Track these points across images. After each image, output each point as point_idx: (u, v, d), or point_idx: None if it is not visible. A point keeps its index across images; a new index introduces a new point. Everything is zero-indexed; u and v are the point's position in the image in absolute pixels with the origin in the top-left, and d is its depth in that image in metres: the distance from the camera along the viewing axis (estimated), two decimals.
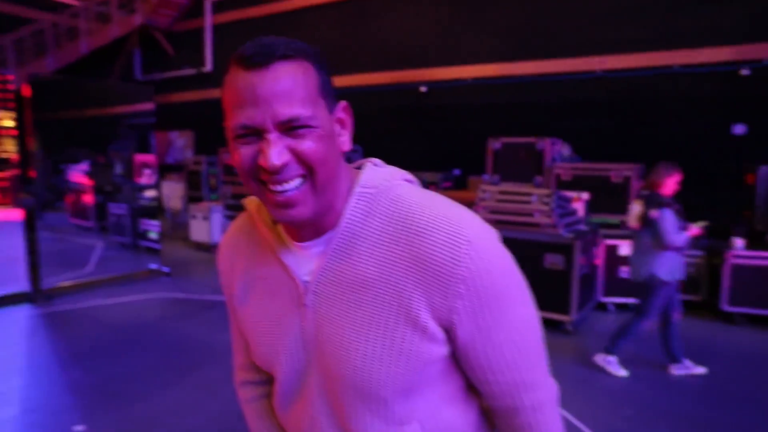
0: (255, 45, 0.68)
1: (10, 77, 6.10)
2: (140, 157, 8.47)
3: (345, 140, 0.76)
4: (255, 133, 0.69)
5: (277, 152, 0.68)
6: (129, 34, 11.89)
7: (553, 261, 4.36)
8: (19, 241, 5.47)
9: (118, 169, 8.79)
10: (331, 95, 0.74)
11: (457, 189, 7.52)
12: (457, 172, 7.86)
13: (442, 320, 0.73)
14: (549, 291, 4.41)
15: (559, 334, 4.38)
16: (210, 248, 7.84)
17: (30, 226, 5.38)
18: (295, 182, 0.70)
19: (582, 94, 7.09)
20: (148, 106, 8.44)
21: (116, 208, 7.63)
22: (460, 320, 0.73)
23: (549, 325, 4.51)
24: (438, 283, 0.71)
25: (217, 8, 11.08)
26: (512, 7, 7.64)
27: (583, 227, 4.74)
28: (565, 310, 4.36)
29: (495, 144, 5.81)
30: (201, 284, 6.04)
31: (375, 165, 0.82)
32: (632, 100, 6.78)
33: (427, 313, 0.73)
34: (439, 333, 0.74)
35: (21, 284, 5.38)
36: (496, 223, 4.72)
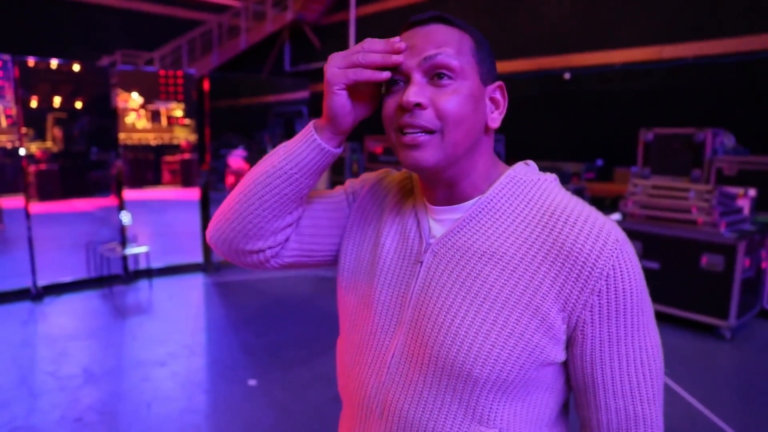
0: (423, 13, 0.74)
1: (184, 72, 6.96)
2: None
3: (495, 117, 0.76)
4: (405, 81, 0.72)
5: (415, 90, 0.69)
6: (281, 29, 12.85)
7: (711, 261, 4.07)
8: (190, 217, 6.30)
9: None
10: (489, 71, 0.75)
11: (601, 180, 7.21)
12: (600, 162, 7.52)
13: (571, 317, 0.69)
14: (705, 293, 4.13)
15: (715, 339, 4.10)
16: None
17: (204, 204, 6.15)
18: (423, 137, 0.70)
19: (752, 77, 6.40)
20: (296, 95, 9.11)
21: None
22: (593, 320, 0.69)
23: (703, 329, 4.24)
24: (578, 274, 0.67)
25: (360, 1, 11.57)
26: None
27: (748, 227, 4.35)
28: (722, 315, 4.06)
29: (647, 135, 5.48)
30: None
31: (527, 164, 0.82)
32: None
33: (557, 304, 0.68)
34: (561, 332, 0.70)
35: (195, 256, 6.20)
36: (647, 219, 4.50)
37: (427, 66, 0.70)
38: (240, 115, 12.95)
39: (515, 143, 8.12)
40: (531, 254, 0.70)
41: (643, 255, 4.43)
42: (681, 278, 4.25)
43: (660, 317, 4.46)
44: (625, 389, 0.71)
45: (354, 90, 0.76)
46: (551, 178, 0.79)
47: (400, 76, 0.72)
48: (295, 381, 3.37)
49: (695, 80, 6.87)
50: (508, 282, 0.70)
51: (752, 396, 3.27)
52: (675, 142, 5.33)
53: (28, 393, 3.15)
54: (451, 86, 0.70)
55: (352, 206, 0.90)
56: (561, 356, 0.72)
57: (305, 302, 5.01)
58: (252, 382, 3.34)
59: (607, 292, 0.68)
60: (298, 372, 3.49)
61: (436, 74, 0.70)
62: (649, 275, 4.37)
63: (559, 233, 0.70)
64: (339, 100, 0.75)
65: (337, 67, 0.73)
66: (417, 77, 0.70)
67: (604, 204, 6.43)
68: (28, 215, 5.04)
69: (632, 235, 4.50)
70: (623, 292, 0.68)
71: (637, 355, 0.71)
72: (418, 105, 0.70)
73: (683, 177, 5.25)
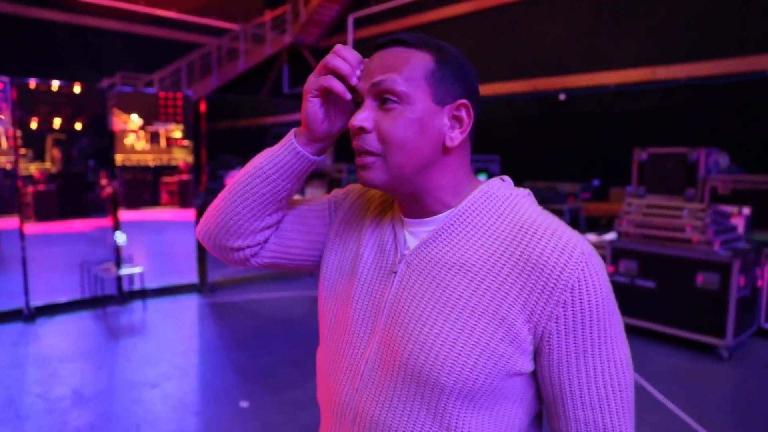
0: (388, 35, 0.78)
1: (184, 94, 7.03)
2: None
3: (454, 137, 0.75)
4: (362, 104, 0.76)
5: (362, 116, 0.74)
6: (279, 52, 13.00)
7: (706, 280, 4.05)
8: (186, 238, 6.29)
9: None
10: (448, 91, 0.74)
11: (597, 200, 7.22)
12: (596, 182, 7.55)
13: (537, 328, 0.70)
14: (701, 312, 4.11)
15: (712, 359, 4.06)
16: None
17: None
18: (369, 158, 0.75)
19: (744, 97, 6.46)
20: (295, 117, 9.17)
21: None
22: (558, 332, 0.69)
23: (700, 349, 4.21)
24: (543, 286, 0.69)
25: (357, 24, 11.73)
26: (659, 6, 7.18)
27: (743, 245, 4.35)
28: (719, 334, 4.03)
29: (641, 155, 5.52)
30: None
31: (503, 180, 0.83)
32: None
33: (522, 315, 0.69)
34: (528, 343, 0.71)
35: (190, 276, 6.17)
36: (642, 238, 4.50)
37: (375, 91, 0.74)
38: (239, 136, 13.06)
39: (512, 163, 8.17)
40: (499, 266, 0.72)
41: (639, 274, 4.42)
42: (677, 297, 4.23)
43: (656, 336, 4.43)
44: (593, 400, 0.71)
45: (329, 101, 0.81)
46: (524, 194, 0.80)
47: (360, 99, 0.77)
48: (288, 402, 3.33)
49: (689, 101, 6.94)
50: (476, 292, 0.71)
51: (751, 416, 3.23)
52: (669, 162, 5.36)
53: (15, 415, 3.10)
54: (395, 111, 0.72)
55: (334, 216, 0.93)
56: (528, 367, 0.72)
57: (299, 323, 4.97)
58: (244, 404, 3.30)
59: (572, 304, 0.68)
60: (291, 393, 3.45)
61: (382, 99, 0.73)
62: (645, 294, 4.36)
63: (526, 246, 0.71)
64: (311, 107, 0.79)
65: (313, 76, 0.78)
66: (368, 101, 0.75)
67: (600, 223, 6.43)
68: (22, 236, 5.03)
69: (627, 254, 4.49)
70: (588, 304, 0.69)
71: (605, 367, 0.71)
72: (362, 129, 0.74)
73: (678, 196, 5.26)
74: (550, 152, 8.48)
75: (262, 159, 0.85)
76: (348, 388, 0.81)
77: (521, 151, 8.62)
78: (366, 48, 0.74)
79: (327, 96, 0.80)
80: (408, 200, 0.80)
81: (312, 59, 12.68)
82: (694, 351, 4.20)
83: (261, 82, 13.63)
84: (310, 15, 12.15)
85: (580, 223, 6.17)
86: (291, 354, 4.13)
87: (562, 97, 8.23)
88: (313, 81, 0.78)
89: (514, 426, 0.76)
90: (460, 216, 0.77)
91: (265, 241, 0.90)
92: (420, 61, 0.73)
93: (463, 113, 0.76)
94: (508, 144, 8.61)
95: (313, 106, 0.79)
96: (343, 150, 12.34)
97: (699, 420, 3.10)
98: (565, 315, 0.69)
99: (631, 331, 4.63)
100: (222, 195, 0.87)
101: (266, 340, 4.46)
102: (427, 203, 0.78)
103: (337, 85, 0.76)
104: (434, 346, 0.71)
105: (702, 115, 6.83)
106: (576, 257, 0.69)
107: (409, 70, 0.73)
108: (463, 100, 0.75)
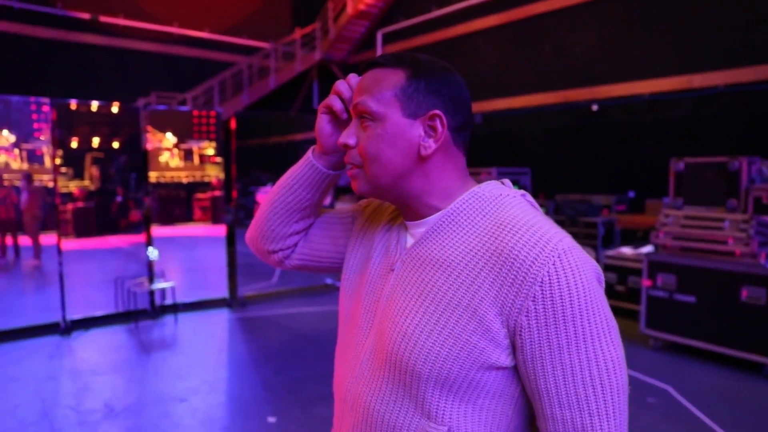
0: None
1: (216, 112, 7.16)
2: None
3: (428, 146, 0.79)
4: None
5: (347, 133, 0.83)
6: (309, 68, 13.18)
7: (752, 295, 3.86)
8: (217, 254, 6.35)
9: None
10: (421, 103, 0.79)
11: (633, 212, 7.02)
12: (631, 194, 7.34)
13: (509, 322, 0.71)
14: (747, 328, 3.91)
15: (761, 378, 3.85)
16: None
17: (230, 240, 6.21)
18: (354, 170, 0.84)
19: None
20: None
21: None
22: (530, 326, 0.69)
23: (746, 367, 4.00)
24: (513, 279, 0.70)
25: (386, 39, 11.81)
26: (694, 11, 7.00)
27: None
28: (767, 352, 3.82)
29: (678, 165, 5.33)
30: None
31: (503, 183, 0.86)
32: None
33: (494, 308, 0.71)
34: (502, 336, 0.72)
35: (221, 291, 6.22)
36: (680, 251, 4.33)
37: (355, 111, 0.83)
38: (270, 152, 13.24)
39: (544, 176, 8.02)
40: (474, 261, 0.75)
41: (678, 288, 4.24)
42: (720, 312, 4.04)
43: (698, 354, 4.24)
44: (570, 400, 0.70)
45: (338, 119, 0.91)
46: (516, 194, 0.83)
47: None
48: (316, 418, 3.29)
49: (728, 108, 6.71)
50: (452, 286, 0.76)
51: None
52: (708, 172, 5.16)
53: (49, 427, 3.14)
54: (370, 128, 0.80)
55: (356, 223, 1.02)
56: (506, 361, 0.73)
57: (328, 338, 4.94)
58: (271, 419, 3.27)
59: (543, 298, 0.69)
60: (319, 409, 3.40)
61: (361, 117, 0.82)
62: (685, 309, 4.19)
63: (501, 241, 0.74)
64: (320, 122, 0.92)
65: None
66: (354, 120, 0.84)
67: (636, 236, 6.24)
68: (60, 251, 5.16)
69: (665, 267, 4.32)
70: (561, 299, 0.69)
71: (584, 366, 0.69)
72: (346, 145, 0.83)
73: (718, 207, 5.05)
74: (583, 164, 8.31)
75: (288, 173, 0.97)
76: (349, 377, 0.88)
77: (553, 164, 8.46)
78: None
79: (334, 114, 0.90)
80: (400, 205, 0.86)
81: (341, 75, 12.80)
82: (740, 370, 3.99)
83: (291, 98, 13.82)
84: (339, 32, 12.29)
85: (614, 235, 5.99)
86: (320, 369, 4.09)
87: (594, 107, 8.07)
88: (324, 101, 0.90)
89: (502, 423, 0.77)
90: (449, 217, 0.81)
91: (295, 245, 1.02)
92: (391, 80, 0.80)
93: (437, 123, 0.79)
94: (539, 157, 8.48)
95: (321, 121, 0.91)
96: None
97: None
98: (536, 309, 0.69)
99: (671, 348, 4.44)
100: (261, 206, 1.01)
101: (295, 355, 4.44)
102: (416, 207, 0.84)
103: (336, 104, 0.88)
104: (413, 336, 0.76)
105: (741, 123, 6.58)
106: (548, 251, 0.70)
107: (380, 90, 0.79)
108: (436, 111, 0.79)
